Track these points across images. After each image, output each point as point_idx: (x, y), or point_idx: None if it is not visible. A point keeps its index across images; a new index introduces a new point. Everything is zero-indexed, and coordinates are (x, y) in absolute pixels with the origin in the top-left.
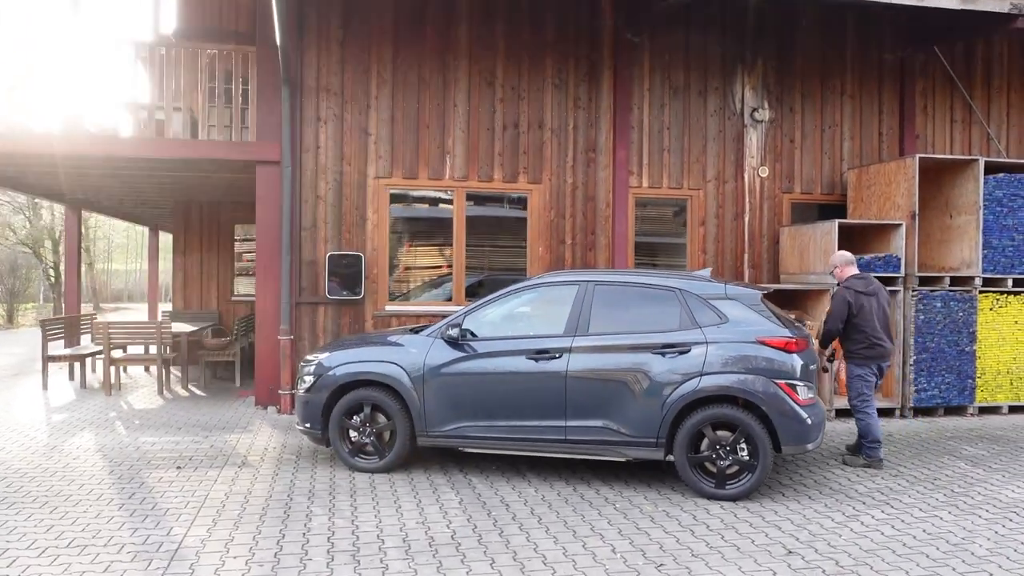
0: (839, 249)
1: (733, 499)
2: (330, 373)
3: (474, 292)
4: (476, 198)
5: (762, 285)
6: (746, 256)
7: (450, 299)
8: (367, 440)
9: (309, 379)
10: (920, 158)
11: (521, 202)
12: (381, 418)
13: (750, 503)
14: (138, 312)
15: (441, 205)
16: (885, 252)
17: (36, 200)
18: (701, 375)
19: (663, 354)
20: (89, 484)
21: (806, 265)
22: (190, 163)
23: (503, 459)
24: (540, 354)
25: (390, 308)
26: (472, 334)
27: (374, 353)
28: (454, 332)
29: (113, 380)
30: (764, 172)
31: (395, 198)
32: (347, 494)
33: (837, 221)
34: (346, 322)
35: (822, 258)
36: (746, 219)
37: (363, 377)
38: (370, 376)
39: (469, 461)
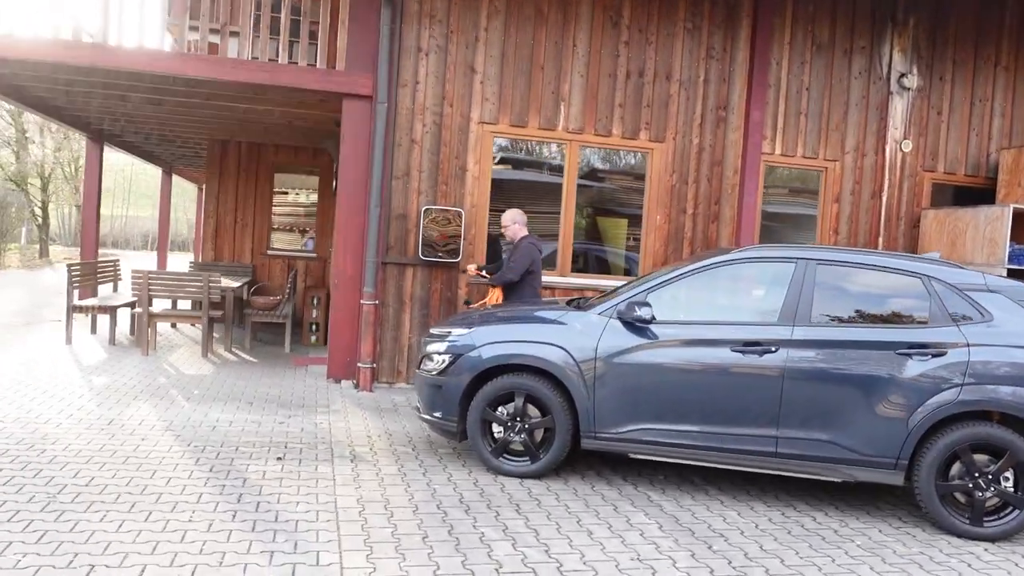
0: (1011, 240)
1: (991, 539)
2: (473, 353)
3: (580, 261)
4: (589, 154)
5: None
6: (880, 240)
7: (554, 268)
8: (516, 438)
9: (441, 358)
10: None
11: (639, 163)
12: (534, 412)
13: (1015, 545)
14: (130, 260)
15: (549, 159)
16: None
17: (26, 134)
18: (962, 385)
19: (910, 356)
20: (177, 477)
21: (958, 254)
22: (262, 91)
23: (666, 467)
24: (749, 346)
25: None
26: (654, 316)
27: (530, 332)
28: (638, 312)
29: (149, 337)
30: (907, 146)
31: (500, 148)
32: (510, 508)
33: (1012, 205)
34: (437, 287)
35: (985, 247)
36: (884, 198)
37: (517, 361)
38: (526, 360)
39: (626, 467)
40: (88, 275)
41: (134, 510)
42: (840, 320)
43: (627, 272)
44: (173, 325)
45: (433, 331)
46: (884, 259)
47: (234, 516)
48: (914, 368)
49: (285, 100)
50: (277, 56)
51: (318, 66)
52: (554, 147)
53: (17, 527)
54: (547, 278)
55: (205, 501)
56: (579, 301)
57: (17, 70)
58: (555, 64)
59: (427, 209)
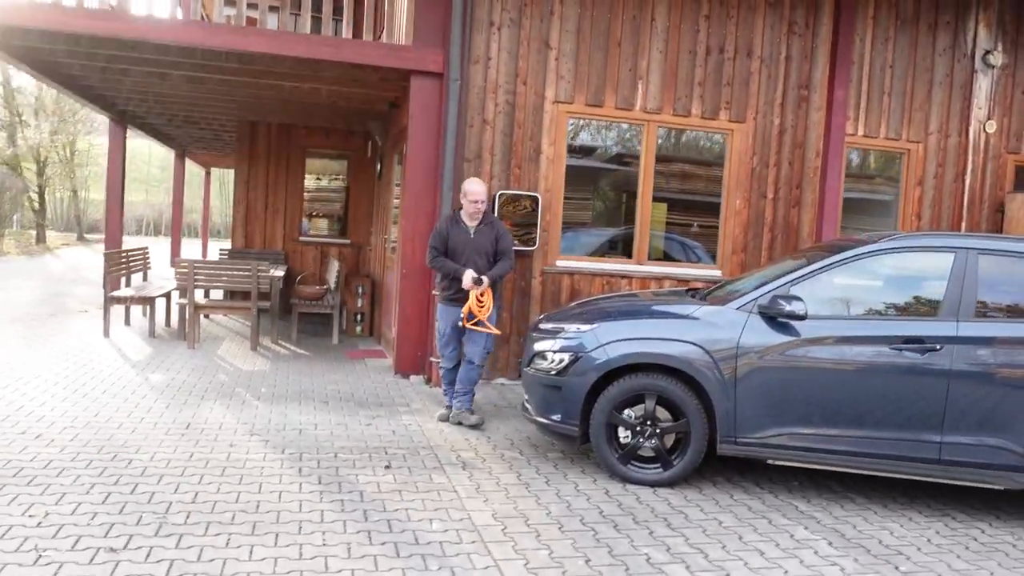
0: None
1: None
2: (597, 352)
3: (657, 250)
4: (665, 136)
5: None
6: (963, 225)
7: (630, 256)
8: (645, 443)
9: (558, 357)
10: None
11: (718, 144)
12: (663, 415)
13: None
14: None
15: (624, 141)
16: None
17: (22, 117)
18: None
19: None
20: (286, 490)
21: None
22: (319, 68)
23: (798, 472)
24: (910, 343)
25: (562, 263)
26: (807, 312)
27: (660, 328)
28: (790, 308)
29: (187, 329)
30: (991, 127)
31: (574, 129)
32: (660, 523)
33: None
34: (510, 277)
35: None
36: (967, 181)
37: (650, 360)
38: (661, 359)
39: (755, 473)
40: (120, 264)
41: (257, 532)
42: (1009, 314)
43: (700, 261)
44: (206, 316)
45: (543, 326)
46: None
47: (370, 538)
48: None
49: (341, 78)
50: (319, 30)
51: (384, 40)
52: (628, 127)
53: (138, 555)
54: (622, 267)
55: (329, 520)
56: (693, 293)
57: (57, 45)
58: (632, 39)
59: (502, 195)
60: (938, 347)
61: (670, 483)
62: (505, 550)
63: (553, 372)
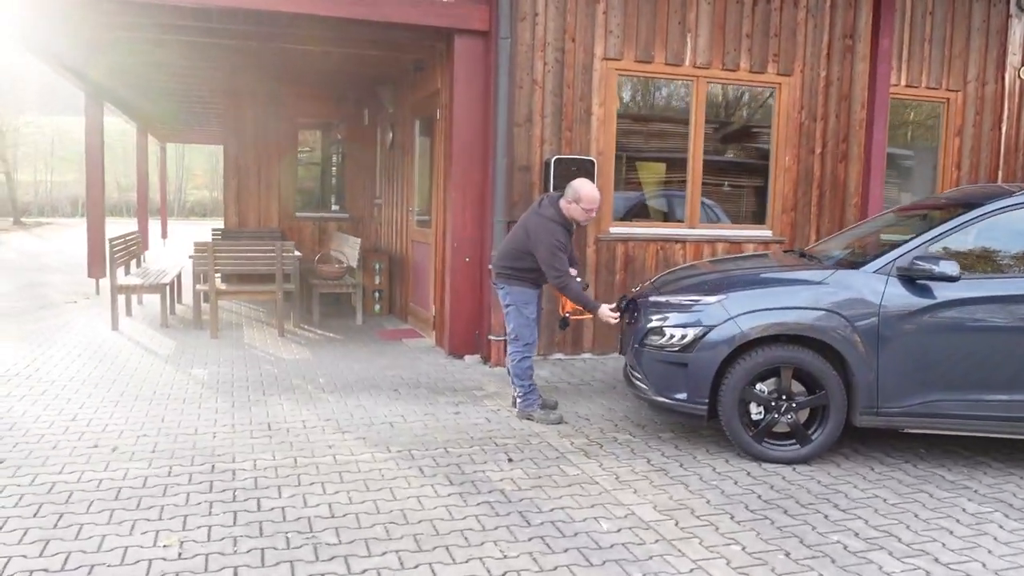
0: None
1: None
2: (727, 324)
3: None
4: (715, 92)
5: None
6: (1000, 174)
7: (682, 220)
8: (781, 419)
9: (683, 331)
10: None
11: (765, 99)
12: (797, 388)
13: None
14: (75, 229)
15: (674, 99)
16: None
17: None
18: None
19: None
20: (423, 495)
21: None
22: (347, 29)
23: (919, 438)
24: None
25: (615, 230)
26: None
27: (792, 296)
28: (934, 268)
29: (211, 317)
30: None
31: (624, 88)
32: (828, 505)
33: None
34: None
35: None
36: (1003, 128)
37: (787, 330)
38: (798, 329)
39: (880, 441)
40: (122, 250)
41: (424, 547)
42: None
43: (751, 220)
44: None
45: (656, 299)
46: None
47: (547, 545)
48: None
49: (363, 39)
50: None
51: None
52: (679, 84)
53: None
54: (676, 231)
55: (491, 526)
56: (823, 257)
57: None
58: None
59: (557, 159)
60: None
61: (805, 460)
62: (695, 548)
63: (676, 348)
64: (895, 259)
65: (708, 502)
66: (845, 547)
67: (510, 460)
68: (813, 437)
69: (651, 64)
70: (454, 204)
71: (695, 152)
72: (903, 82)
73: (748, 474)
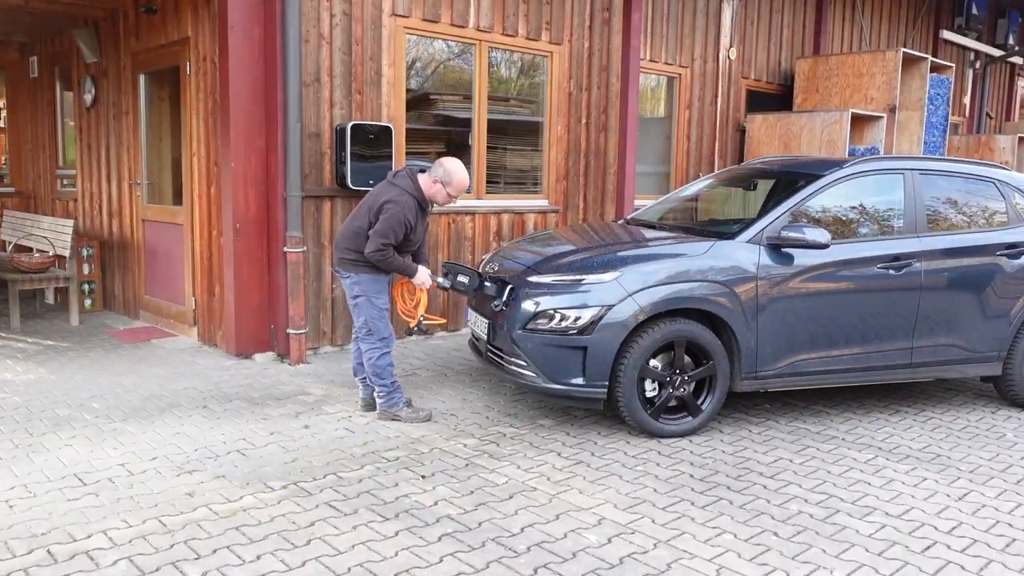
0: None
1: None
2: (626, 303)
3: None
4: (495, 59)
5: None
6: (716, 144)
7: (470, 191)
8: (676, 392)
9: (578, 313)
10: (905, 52)
11: (537, 68)
12: (687, 361)
13: None
14: None
15: (458, 64)
16: (868, 145)
17: None
18: None
19: (1007, 256)
20: (387, 552)
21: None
22: None
23: (784, 394)
24: (894, 261)
25: None
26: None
27: (680, 269)
28: (807, 236)
29: None
30: (733, 54)
31: (413, 49)
32: (759, 476)
33: (851, 110)
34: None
35: (824, 148)
36: (719, 104)
37: (686, 305)
38: (695, 303)
39: (749, 402)
40: None
41: None
42: (945, 228)
43: (529, 190)
44: None
45: (536, 280)
46: (966, 166)
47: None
48: (1009, 267)
49: None
50: None
51: None
52: (463, 47)
53: None
54: (465, 203)
55: (481, 566)
56: (695, 227)
57: None
58: None
59: (355, 127)
60: (910, 263)
61: (697, 430)
62: (696, 545)
63: (573, 331)
64: (763, 229)
65: (656, 491)
66: (811, 516)
67: (423, 477)
68: (703, 407)
69: (437, 24)
70: (234, 178)
71: (479, 120)
72: (648, 56)
73: (659, 453)
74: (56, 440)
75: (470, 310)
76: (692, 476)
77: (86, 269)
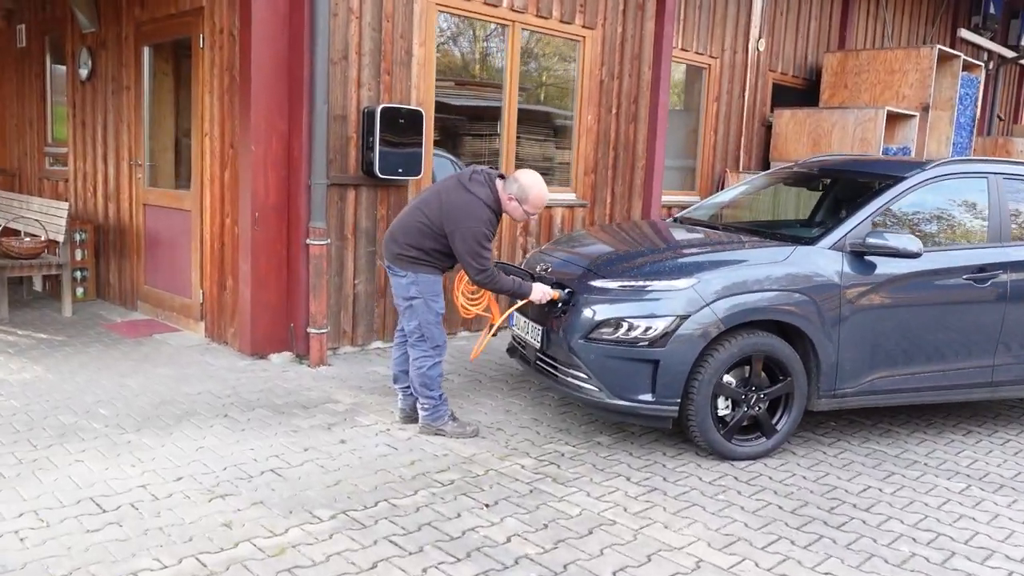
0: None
1: None
2: (704, 311)
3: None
4: (524, 45)
5: None
6: (742, 139)
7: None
8: (751, 411)
9: (651, 323)
10: (940, 49)
11: (569, 55)
12: (763, 377)
13: None
14: None
15: (489, 46)
16: (900, 144)
17: None
18: None
19: None
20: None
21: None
22: None
23: (863, 412)
24: (980, 272)
25: None
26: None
27: (759, 277)
28: (896, 244)
29: None
30: (762, 45)
31: (444, 28)
32: (853, 508)
33: (887, 108)
34: (383, 214)
35: (857, 147)
36: (746, 97)
37: (762, 316)
38: (773, 314)
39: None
40: None
41: None
42: None
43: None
44: None
45: (599, 284)
46: None
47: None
48: None
49: None
50: None
51: None
52: (495, 28)
53: None
54: None
55: None
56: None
57: None
58: None
59: (385, 110)
60: (996, 274)
61: (770, 452)
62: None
63: (643, 343)
64: (846, 235)
65: (747, 526)
66: (927, 559)
67: (487, 507)
68: (778, 428)
69: (471, 1)
70: (253, 162)
71: (510, 108)
72: (679, 45)
73: (736, 479)
74: (64, 454)
75: (515, 313)
76: (781, 508)
77: (79, 255)
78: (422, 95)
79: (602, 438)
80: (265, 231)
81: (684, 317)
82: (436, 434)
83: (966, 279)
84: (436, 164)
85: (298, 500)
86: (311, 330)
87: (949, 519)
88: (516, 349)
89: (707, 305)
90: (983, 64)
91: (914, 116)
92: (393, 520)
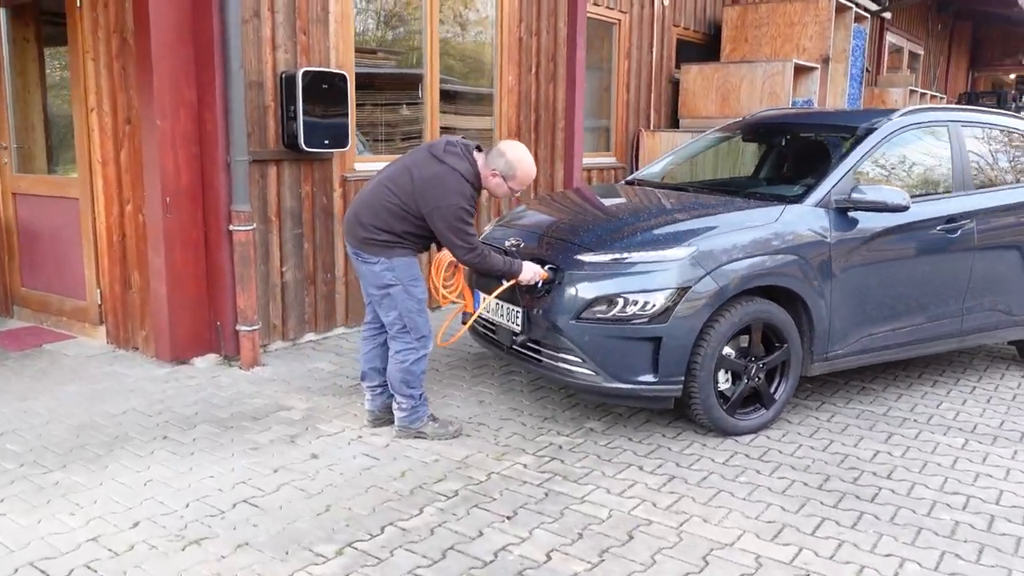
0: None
1: None
2: (705, 281)
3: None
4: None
5: None
6: (652, 97)
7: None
8: (751, 383)
9: (650, 297)
10: (839, 1)
11: (488, 10)
12: (759, 346)
13: None
14: None
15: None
16: (804, 97)
17: None
18: None
19: None
20: None
21: (732, 109)
22: None
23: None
24: (952, 222)
25: (362, 167)
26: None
27: (754, 240)
28: (887, 199)
29: None
30: (666, 0)
31: None
32: (874, 476)
33: (794, 61)
34: (308, 192)
35: (766, 100)
36: (654, 53)
37: (762, 282)
38: (772, 279)
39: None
40: None
41: None
42: (988, 184)
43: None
44: None
45: (590, 259)
46: (999, 118)
47: None
48: None
49: None
50: None
51: None
52: None
53: None
54: None
55: None
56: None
57: None
58: None
59: (307, 73)
60: (964, 224)
61: (770, 423)
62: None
63: (642, 320)
64: (830, 190)
65: (785, 509)
66: (972, 526)
67: (507, 519)
68: (776, 397)
69: None
70: (160, 139)
71: (432, 68)
72: (587, 1)
73: (746, 456)
74: None
75: (480, 293)
76: (807, 485)
77: None
78: (341, 57)
79: (593, 423)
80: (179, 218)
81: (684, 289)
82: (415, 437)
83: (940, 230)
84: (308, 132)
85: (290, 536)
86: (240, 327)
87: (968, 479)
88: (483, 333)
89: (708, 274)
90: (869, 15)
91: (816, 68)
92: (409, 548)
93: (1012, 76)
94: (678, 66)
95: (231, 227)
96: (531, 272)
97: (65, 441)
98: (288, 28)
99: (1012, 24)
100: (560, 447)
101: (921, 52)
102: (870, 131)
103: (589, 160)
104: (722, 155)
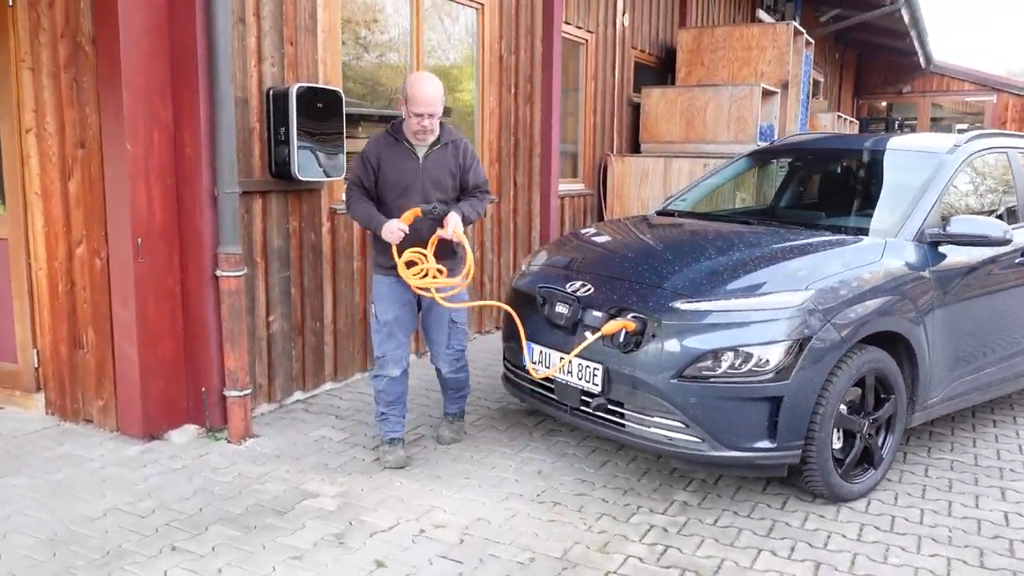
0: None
1: None
2: (826, 329)
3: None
4: (431, 18)
5: None
6: (615, 119)
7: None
8: (864, 442)
9: (766, 350)
10: (795, 27)
11: (469, 25)
12: (868, 399)
13: None
14: None
15: (392, 18)
16: (766, 122)
17: None
18: None
19: None
20: None
21: (697, 133)
22: None
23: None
24: None
25: None
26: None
27: (862, 277)
28: (990, 232)
29: None
30: (626, 20)
31: None
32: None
33: (762, 85)
34: (296, 227)
35: (734, 125)
36: (616, 74)
37: (878, 328)
38: (886, 324)
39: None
40: None
41: None
42: None
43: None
44: None
45: (687, 307)
46: None
47: None
48: None
49: None
50: None
51: None
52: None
53: None
54: None
55: None
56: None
57: None
58: None
59: (301, 90)
60: None
61: (878, 484)
62: None
63: (761, 377)
64: (922, 222)
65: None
66: None
67: None
68: (884, 455)
69: None
70: (131, 167)
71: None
72: (563, 17)
73: (875, 528)
74: None
75: (533, 346)
76: (966, 563)
77: None
78: (329, 71)
79: (681, 494)
80: (152, 263)
81: (806, 339)
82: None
83: (1018, 261)
84: (302, 158)
85: None
86: (230, 393)
87: None
88: (532, 390)
89: (828, 322)
90: (813, 42)
91: (777, 93)
92: None
93: (883, 103)
94: (636, 89)
95: (218, 272)
96: (389, 231)
97: (40, 566)
98: (275, 37)
99: (896, 54)
100: (665, 530)
101: (823, 80)
102: (945, 159)
103: (565, 187)
104: (759, 182)
